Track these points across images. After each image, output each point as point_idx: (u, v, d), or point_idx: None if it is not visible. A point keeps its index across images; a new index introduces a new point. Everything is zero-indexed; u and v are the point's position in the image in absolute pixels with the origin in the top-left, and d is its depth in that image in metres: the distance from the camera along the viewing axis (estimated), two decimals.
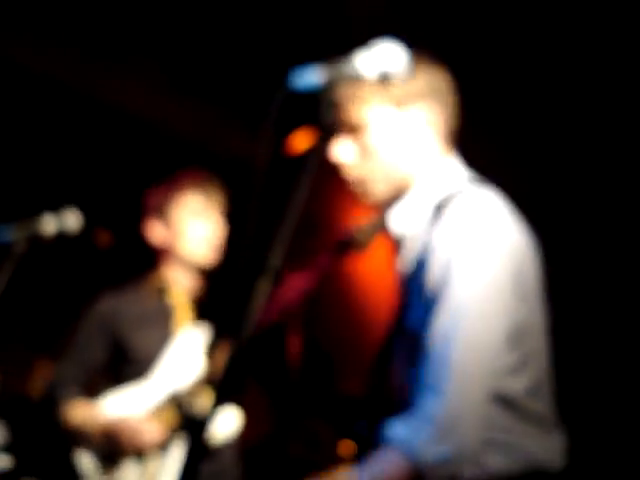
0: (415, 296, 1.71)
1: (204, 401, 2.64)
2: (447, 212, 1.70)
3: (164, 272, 2.86)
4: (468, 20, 3.42)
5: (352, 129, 1.80)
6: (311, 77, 1.47)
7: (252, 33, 4.20)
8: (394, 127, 1.81)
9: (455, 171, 1.84)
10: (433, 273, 1.64)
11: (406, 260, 1.80)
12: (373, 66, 1.56)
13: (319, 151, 1.46)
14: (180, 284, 2.83)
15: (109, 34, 4.17)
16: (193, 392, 2.63)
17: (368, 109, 1.79)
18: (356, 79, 1.56)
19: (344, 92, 1.76)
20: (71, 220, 2.66)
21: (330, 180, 1.95)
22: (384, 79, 1.59)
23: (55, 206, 2.68)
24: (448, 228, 1.66)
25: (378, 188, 1.82)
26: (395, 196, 1.83)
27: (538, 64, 3.52)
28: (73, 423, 2.74)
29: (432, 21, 3.60)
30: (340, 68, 1.52)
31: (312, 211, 2.18)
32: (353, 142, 1.81)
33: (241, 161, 4.86)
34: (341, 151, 1.82)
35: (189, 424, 2.63)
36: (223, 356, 2.59)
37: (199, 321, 2.80)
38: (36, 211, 2.65)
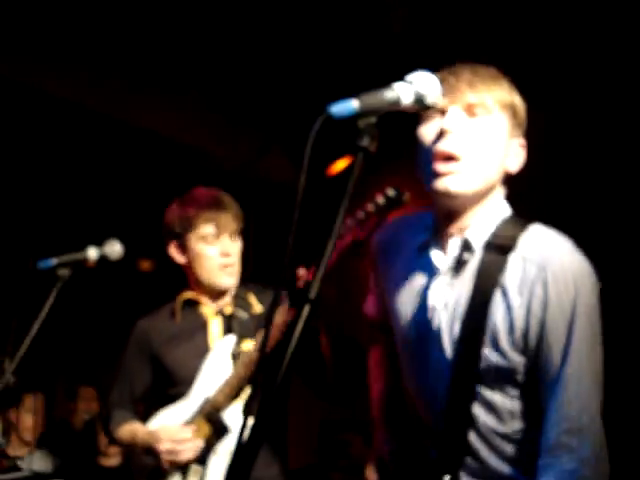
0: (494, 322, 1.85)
1: (234, 409, 2.66)
2: (549, 254, 1.84)
3: (193, 288, 2.92)
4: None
5: (473, 106, 1.89)
6: (349, 105, 1.49)
7: (292, 60, 4.25)
8: (506, 132, 1.94)
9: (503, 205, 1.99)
10: (553, 313, 1.81)
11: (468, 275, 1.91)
12: (410, 94, 1.60)
13: (356, 177, 1.47)
14: (208, 300, 2.89)
15: (151, 65, 4.25)
16: (220, 401, 2.64)
17: (502, 99, 1.91)
18: (393, 106, 1.58)
19: (487, 70, 1.93)
20: (113, 249, 2.79)
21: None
22: (420, 106, 1.63)
23: (100, 239, 2.79)
24: (564, 274, 1.82)
25: (476, 174, 1.88)
26: (477, 197, 1.91)
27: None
28: (124, 443, 2.83)
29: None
30: (377, 96, 1.55)
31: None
32: (467, 117, 1.89)
33: (282, 186, 4.96)
34: (455, 119, 1.87)
35: (222, 433, 2.64)
36: (251, 363, 2.60)
37: (230, 333, 2.82)
38: (81, 245, 2.77)
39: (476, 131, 1.89)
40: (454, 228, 1.95)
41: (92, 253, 2.79)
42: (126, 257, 2.88)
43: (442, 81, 1.80)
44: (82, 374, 4.19)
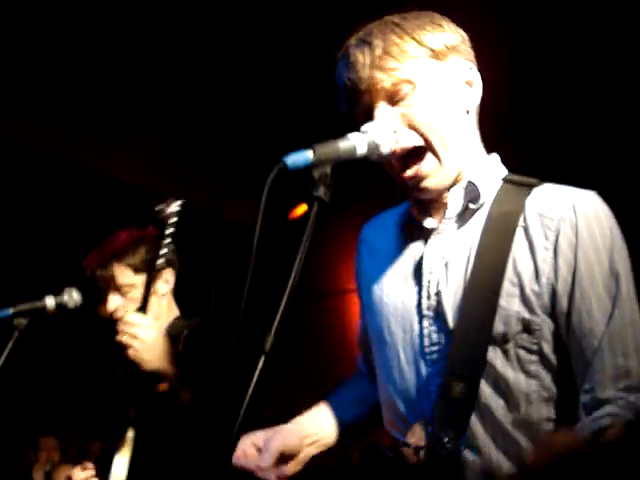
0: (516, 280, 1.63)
1: None
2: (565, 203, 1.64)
3: None
4: None
5: (393, 92, 1.68)
6: (304, 156, 1.51)
7: (257, 105, 4.27)
8: (441, 82, 1.71)
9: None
10: (585, 264, 1.59)
11: (476, 231, 1.71)
12: (364, 143, 1.62)
13: (311, 227, 1.48)
14: None
15: (116, 114, 4.26)
16: None
17: (417, 59, 1.69)
18: (347, 156, 1.59)
19: (386, 31, 1.68)
20: (72, 298, 2.80)
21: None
22: (373, 154, 1.64)
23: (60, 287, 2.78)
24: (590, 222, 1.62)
25: (451, 156, 1.70)
26: (456, 172, 1.74)
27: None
28: None
29: None
30: (332, 146, 1.57)
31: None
32: (394, 107, 1.69)
33: (247, 230, 4.97)
34: (386, 118, 1.68)
35: None
36: None
37: None
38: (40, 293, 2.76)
39: (415, 116, 1.69)
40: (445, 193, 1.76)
41: (50, 302, 2.78)
42: (86, 305, 2.86)
43: (343, 75, 1.70)
44: (42, 424, 4.10)
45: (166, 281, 2.86)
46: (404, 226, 1.85)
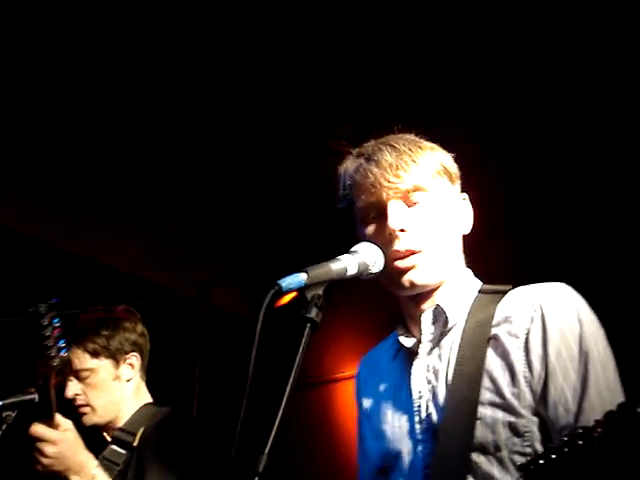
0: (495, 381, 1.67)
1: None
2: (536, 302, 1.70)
3: None
4: None
5: (409, 193, 1.79)
6: (297, 279, 1.59)
7: (245, 193, 4.34)
8: (449, 200, 1.86)
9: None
10: (560, 361, 1.64)
11: (454, 348, 1.77)
12: (355, 264, 1.72)
13: (304, 347, 1.54)
14: None
15: (105, 201, 4.32)
16: None
17: (431, 170, 1.83)
18: (339, 277, 1.68)
19: (405, 144, 1.82)
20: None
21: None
22: (363, 274, 1.74)
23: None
24: (559, 317, 1.67)
25: (441, 262, 1.80)
26: (440, 279, 1.82)
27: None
28: None
29: None
30: (324, 268, 1.66)
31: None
32: (408, 208, 1.80)
33: (232, 316, 5.00)
34: (399, 216, 1.78)
35: None
36: None
37: None
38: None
39: (424, 221, 1.80)
40: (422, 309, 1.84)
41: (37, 395, 2.78)
42: None
43: (362, 170, 1.81)
44: None
45: (130, 365, 2.83)
46: (395, 352, 1.92)
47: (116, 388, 2.77)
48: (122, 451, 2.71)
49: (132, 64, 3.73)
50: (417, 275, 1.78)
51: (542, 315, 1.69)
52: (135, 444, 2.70)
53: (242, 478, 1.41)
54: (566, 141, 3.64)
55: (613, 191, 3.60)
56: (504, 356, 1.70)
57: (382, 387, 1.92)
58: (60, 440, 2.43)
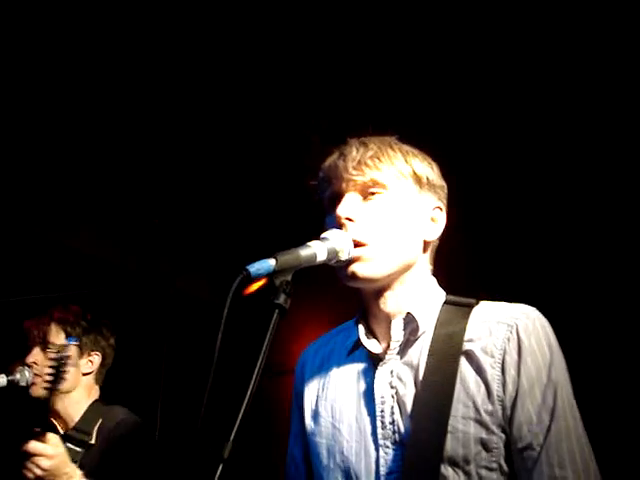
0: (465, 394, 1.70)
1: None
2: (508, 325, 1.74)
3: None
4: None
5: (367, 187, 1.81)
6: (266, 264, 1.57)
7: (216, 190, 4.30)
8: (412, 203, 1.85)
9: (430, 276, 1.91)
10: (526, 377, 1.69)
11: (423, 353, 1.77)
12: (324, 250, 1.71)
13: (272, 333, 1.53)
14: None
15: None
16: None
17: (397, 171, 1.83)
18: (308, 263, 1.67)
19: (377, 142, 1.85)
20: (24, 375, 2.89)
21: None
22: (332, 260, 1.73)
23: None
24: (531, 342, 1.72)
25: (387, 258, 1.78)
26: (394, 277, 1.81)
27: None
28: None
29: None
30: (293, 254, 1.64)
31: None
32: (363, 201, 1.81)
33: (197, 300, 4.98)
34: (350, 207, 1.80)
35: None
36: None
37: None
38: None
39: (374, 214, 1.79)
40: (387, 312, 1.83)
41: (1, 380, 2.85)
42: None
43: (332, 164, 1.85)
44: None
45: (90, 362, 3.06)
46: (350, 350, 1.89)
47: (71, 374, 2.92)
48: (78, 449, 2.89)
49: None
50: (360, 267, 1.77)
51: (518, 339, 1.72)
52: (92, 442, 2.90)
53: (208, 465, 1.39)
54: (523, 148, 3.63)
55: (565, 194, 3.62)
56: (479, 372, 1.72)
57: (334, 384, 1.90)
58: (55, 455, 2.62)
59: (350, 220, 1.78)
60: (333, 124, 3.62)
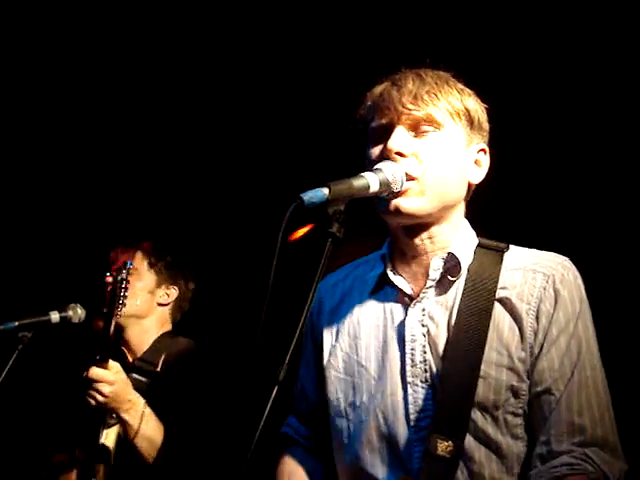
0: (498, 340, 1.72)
1: None
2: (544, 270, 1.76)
3: None
4: None
5: (420, 122, 1.76)
6: (320, 193, 1.56)
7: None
8: (462, 143, 1.82)
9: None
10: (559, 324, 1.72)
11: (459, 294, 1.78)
12: (377, 181, 1.69)
13: (325, 262, 1.53)
14: None
15: None
16: None
17: (452, 108, 1.79)
18: (361, 194, 1.66)
19: (433, 77, 1.80)
20: (75, 313, 2.93)
21: None
22: (385, 191, 1.71)
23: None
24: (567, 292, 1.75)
25: (434, 196, 1.76)
26: (436, 216, 1.79)
27: None
28: None
29: None
30: (347, 184, 1.63)
31: None
32: (415, 136, 1.77)
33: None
34: (401, 141, 1.75)
35: None
36: None
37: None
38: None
39: (427, 151, 1.76)
40: (423, 250, 1.81)
41: (54, 316, 2.88)
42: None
43: (384, 93, 1.80)
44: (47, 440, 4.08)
45: (166, 294, 3.14)
46: (375, 287, 1.88)
47: (145, 300, 3.06)
48: (143, 379, 2.93)
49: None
50: (405, 202, 1.74)
51: (555, 289, 1.74)
52: (158, 371, 2.95)
53: (264, 387, 1.41)
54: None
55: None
56: (515, 319, 1.73)
57: (357, 321, 1.88)
58: (115, 381, 2.68)
59: (401, 155, 1.75)
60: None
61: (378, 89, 1.84)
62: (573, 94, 3.26)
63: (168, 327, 3.14)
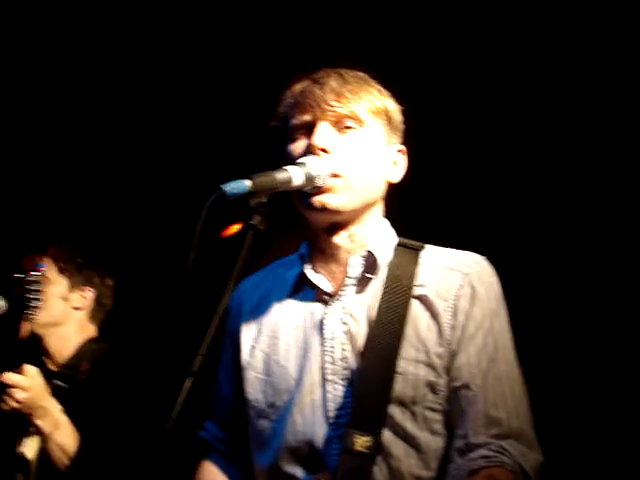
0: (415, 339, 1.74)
1: None
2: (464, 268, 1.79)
3: None
4: None
5: (343, 119, 1.78)
6: (242, 184, 1.55)
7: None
8: (382, 141, 1.85)
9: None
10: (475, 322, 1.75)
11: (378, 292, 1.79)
12: (301, 175, 1.69)
13: (245, 254, 1.52)
14: None
15: None
16: None
17: (373, 107, 1.82)
18: (284, 187, 1.66)
19: (354, 76, 1.83)
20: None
21: None
22: (308, 185, 1.72)
23: None
24: (484, 291, 1.78)
25: (357, 192, 1.78)
26: (356, 214, 1.81)
27: None
28: None
29: None
30: (270, 176, 1.63)
31: None
32: (338, 133, 1.79)
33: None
34: (326, 137, 1.77)
35: None
36: None
37: None
38: None
39: (350, 148, 1.78)
40: (342, 249, 1.83)
41: None
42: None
43: (306, 90, 1.81)
44: None
45: (82, 297, 3.03)
46: (294, 286, 1.88)
47: (60, 307, 2.96)
48: (65, 385, 2.84)
49: None
50: (331, 198, 1.75)
51: (472, 286, 1.77)
52: (80, 377, 2.87)
53: (178, 378, 1.39)
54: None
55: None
56: (433, 315, 1.76)
57: (277, 321, 1.88)
58: (30, 387, 2.60)
59: (325, 151, 1.76)
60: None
61: (298, 87, 1.85)
62: (482, 95, 3.33)
63: (91, 330, 3.05)
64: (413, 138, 1.94)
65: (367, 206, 1.83)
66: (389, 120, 1.86)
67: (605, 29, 3.15)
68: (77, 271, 3.01)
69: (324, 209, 1.75)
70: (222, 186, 1.52)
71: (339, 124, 1.79)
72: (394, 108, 1.88)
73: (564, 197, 3.33)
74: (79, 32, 3.67)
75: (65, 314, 2.97)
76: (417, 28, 3.36)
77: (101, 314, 3.10)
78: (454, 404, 1.73)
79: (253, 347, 1.89)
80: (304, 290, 1.86)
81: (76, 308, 3.00)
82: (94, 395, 2.78)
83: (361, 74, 1.87)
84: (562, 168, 3.33)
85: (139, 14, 3.63)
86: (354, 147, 1.78)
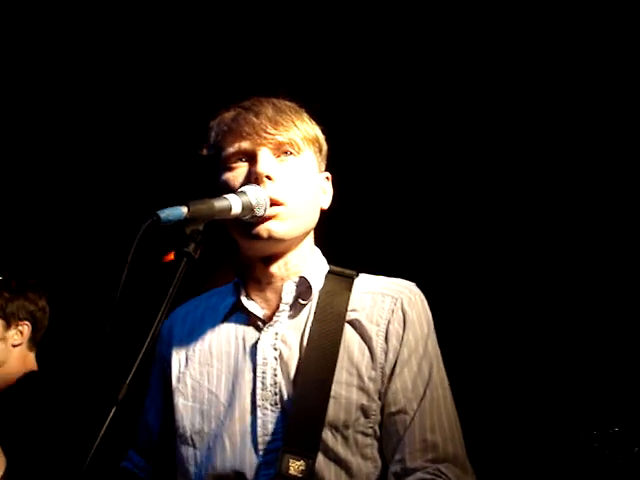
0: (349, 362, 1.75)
1: None
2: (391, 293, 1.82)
3: None
4: None
5: (282, 147, 1.80)
6: (178, 211, 1.53)
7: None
8: (315, 168, 1.89)
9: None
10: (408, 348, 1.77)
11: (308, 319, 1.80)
12: (239, 204, 1.68)
13: (177, 281, 1.50)
14: None
15: None
16: None
17: (307, 135, 1.85)
18: (222, 215, 1.65)
19: (287, 105, 1.85)
20: None
21: None
22: (247, 214, 1.71)
23: None
24: (414, 315, 1.81)
25: (300, 219, 1.80)
26: (294, 241, 1.82)
27: None
28: None
29: None
30: (207, 204, 1.61)
31: None
32: (277, 161, 1.80)
33: None
34: (269, 164, 1.77)
35: None
36: None
37: None
38: None
39: (290, 175, 1.79)
40: (276, 276, 1.83)
41: None
42: None
43: (239, 118, 1.80)
44: None
45: (19, 332, 2.92)
46: (227, 314, 1.87)
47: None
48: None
49: None
50: (277, 225, 1.75)
51: (403, 311, 1.80)
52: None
53: (102, 407, 1.36)
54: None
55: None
56: (365, 340, 1.78)
57: (209, 348, 1.86)
58: None
59: (270, 178, 1.76)
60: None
61: (229, 115, 1.85)
62: (403, 119, 3.39)
63: (32, 362, 2.97)
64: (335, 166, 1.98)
65: (306, 234, 1.86)
66: (320, 148, 1.90)
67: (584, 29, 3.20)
68: (9, 306, 2.90)
69: (270, 237, 1.76)
70: (157, 212, 1.50)
71: (277, 152, 1.80)
72: (322, 136, 1.92)
73: (491, 220, 3.40)
74: None
75: (5, 354, 2.88)
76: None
77: (39, 336, 3.01)
78: (389, 429, 1.74)
79: (183, 374, 1.87)
80: (237, 317, 1.86)
81: (15, 345, 2.91)
82: (19, 422, 2.71)
83: (290, 103, 1.89)
84: (489, 191, 3.41)
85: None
86: (293, 174, 1.80)
